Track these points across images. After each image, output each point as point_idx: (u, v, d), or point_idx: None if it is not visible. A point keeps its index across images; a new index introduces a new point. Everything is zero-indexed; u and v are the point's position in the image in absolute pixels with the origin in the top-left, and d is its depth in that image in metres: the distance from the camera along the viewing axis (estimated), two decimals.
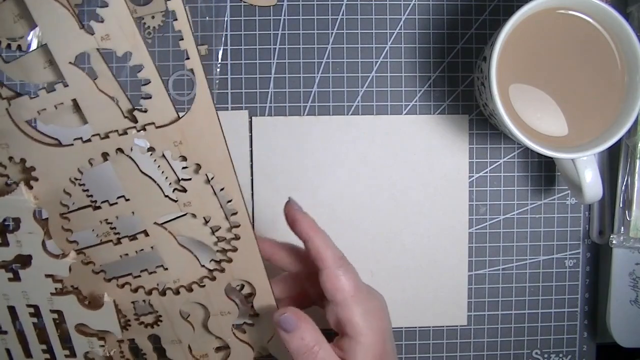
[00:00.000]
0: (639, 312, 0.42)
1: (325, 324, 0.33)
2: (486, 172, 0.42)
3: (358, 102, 0.42)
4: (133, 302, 0.32)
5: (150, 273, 0.32)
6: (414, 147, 0.42)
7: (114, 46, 0.26)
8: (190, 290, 0.32)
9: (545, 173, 0.43)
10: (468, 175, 0.42)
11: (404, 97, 0.42)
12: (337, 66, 0.42)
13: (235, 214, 0.30)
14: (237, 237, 0.31)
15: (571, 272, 0.43)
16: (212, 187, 0.29)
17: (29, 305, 0.32)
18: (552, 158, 0.40)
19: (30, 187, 0.29)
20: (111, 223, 0.30)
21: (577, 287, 0.43)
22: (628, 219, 0.40)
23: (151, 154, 0.28)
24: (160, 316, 0.33)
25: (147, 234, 0.30)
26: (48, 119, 0.28)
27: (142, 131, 0.28)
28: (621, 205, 0.41)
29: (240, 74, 0.41)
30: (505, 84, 0.36)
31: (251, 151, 0.41)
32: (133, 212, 0.30)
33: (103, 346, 0.33)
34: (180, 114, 0.28)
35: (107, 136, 0.28)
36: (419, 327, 0.43)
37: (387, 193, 0.42)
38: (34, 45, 0.36)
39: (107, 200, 0.30)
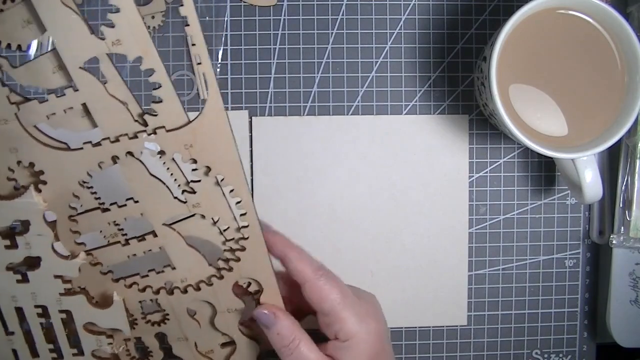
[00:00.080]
0: (639, 312, 0.42)
1: None
2: (486, 172, 0.42)
3: (358, 102, 0.42)
4: (140, 301, 0.33)
5: (158, 273, 0.32)
6: (414, 147, 0.42)
7: (125, 51, 0.26)
8: (198, 289, 0.32)
9: (545, 173, 0.43)
10: (468, 175, 0.42)
11: (404, 97, 0.42)
12: (337, 66, 0.42)
13: (244, 214, 0.30)
14: (245, 237, 0.31)
15: (571, 272, 0.43)
16: (221, 188, 0.29)
17: (37, 306, 0.32)
18: (552, 158, 0.40)
19: (39, 191, 0.29)
20: (119, 224, 0.30)
21: (577, 287, 0.43)
22: (628, 219, 0.40)
23: (160, 157, 0.28)
24: (167, 314, 0.33)
25: (155, 235, 0.30)
26: (57, 122, 0.28)
27: (152, 135, 0.28)
28: (621, 205, 0.41)
29: (240, 74, 0.41)
30: (505, 84, 0.36)
31: (251, 151, 0.41)
32: (142, 214, 0.30)
33: (111, 344, 0.33)
34: (191, 117, 0.28)
35: (117, 140, 0.28)
36: (419, 327, 0.43)
37: (387, 193, 0.42)
38: (33, 46, 0.36)
39: (115, 202, 0.30)
